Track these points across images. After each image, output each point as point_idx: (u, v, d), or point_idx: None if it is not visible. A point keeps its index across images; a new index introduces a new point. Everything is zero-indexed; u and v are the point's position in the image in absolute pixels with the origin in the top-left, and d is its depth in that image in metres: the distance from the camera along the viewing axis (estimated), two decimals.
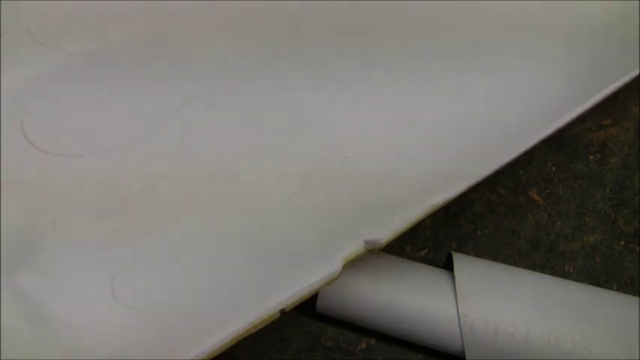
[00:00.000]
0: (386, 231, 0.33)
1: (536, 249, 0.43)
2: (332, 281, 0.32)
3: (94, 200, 0.36)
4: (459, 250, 0.43)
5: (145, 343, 0.30)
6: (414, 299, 0.37)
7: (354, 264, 0.34)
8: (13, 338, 0.30)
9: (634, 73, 0.41)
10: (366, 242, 0.33)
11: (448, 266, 0.40)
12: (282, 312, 0.31)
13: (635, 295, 0.40)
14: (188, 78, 0.42)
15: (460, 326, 0.36)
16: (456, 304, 0.36)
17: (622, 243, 0.43)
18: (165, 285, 0.33)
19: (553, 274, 0.42)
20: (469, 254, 0.42)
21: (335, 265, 0.32)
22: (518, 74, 0.43)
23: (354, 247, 0.33)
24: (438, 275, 0.38)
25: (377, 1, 0.46)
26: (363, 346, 0.39)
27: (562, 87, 0.42)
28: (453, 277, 0.38)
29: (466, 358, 0.36)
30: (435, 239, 0.43)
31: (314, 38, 0.44)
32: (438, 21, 0.46)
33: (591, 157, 0.47)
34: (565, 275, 0.42)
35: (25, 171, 0.37)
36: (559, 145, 0.47)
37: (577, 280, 0.41)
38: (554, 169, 0.46)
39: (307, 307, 0.37)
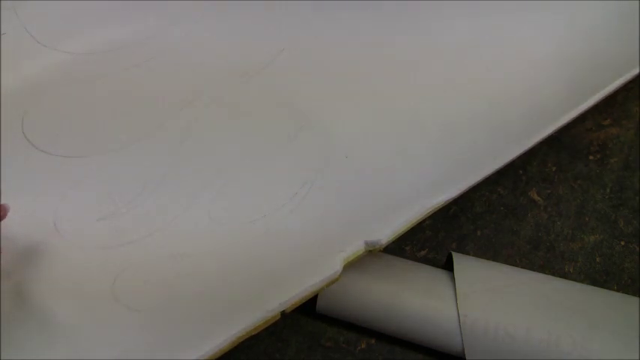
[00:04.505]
0: (386, 231, 0.33)
1: (536, 249, 0.43)
2: (333, 282, 0.32)
3: (94, 200, 0.36)
4: (459, 250, 0.43)
5: (145, 344, 0.30)
6: (414, 299, 0.37)
7: (354, 264, 0.34)
8: (13, 338, 0.30)
9: (634, 73, 0.41)
10: (367, 243, 0.33)
11: (448, 266, 0.40)
12: (283, 313, 0.31)
13: (635, 295, 0.40)
14: (188, 78, 0.42)
15: (460, 326, 0.36)
16: (456, 304, 0.36)
17: (622, 243, 0.43)
18: (166, 286, 0.33)
19: (553, 274, 0.42)
20: (469, 254, 0.42)
21: (336, 266, 0.32)
22: (517, 74, 0.43)
23: (354, 247, 0.33)
24: (438, 275, 0.38)
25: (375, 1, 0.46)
26: (363, 346, 0.39)
27: (562, 87, 0.42)
28: (453, 277, 0.38)
29: (466, 358, 0.36)
30: (435, 239, 0.43)
31: (316, 36, 0.44)
32: (434, 19, 0.46)
33: (591, 157, 0.47)
34: (565, 275, 0.42)
35: (25, 171, 0.37)
36: (559, 145, 0.47)
37: (577, 280, 0.42)
38: (554, 169, 0.46)
39: (307, 308, 0.37)
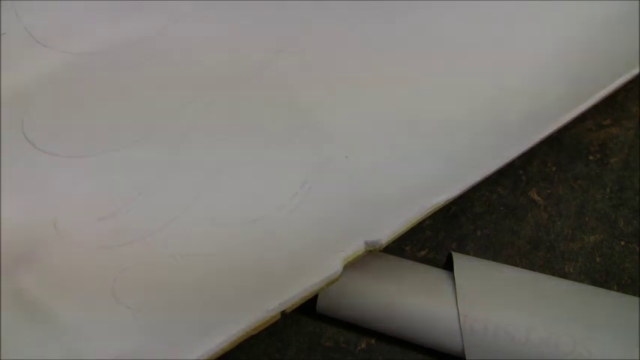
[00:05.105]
0: (386, 231, 0.33)
1: (536, 249, 0.43)
2: (333, 282, 0.32)
3: (94, 200, 0.36)
4: (459, 250, 0.43)
5: (145, 344, 0.30)
6: (414, 299, 0.37)
7: (354, 264, 0.34)
8: (13, 338, 0.30)
9: (634, 73, 0.41)
10: (367, 243, 0.33)
11: (448, 266, 0.40)
12: (283, 313, 0.31)
13: (635, 295, 0.40)
14: (188, 78, 0.42)
15: (460, 326, 0.36)
16: (456, 304, 0.36)
17: (622, 243, 0.44)
18: (166, 285, 0.33)
19: (553, 274, 0.42)
20: (469, 254, 0.42)
21: (336, 266, 0.32)
22: (517, 73, 0.43)
23: (354, 247, 0.33)
24: (438, 275, 0.38)
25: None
26: (363, 346, 0.39)
27: (562, 87, 0.42)
28: (453, 277, 0.38)
29: (466, 358, 0.36)
30: (435, 239, 0.43)
31: (316, 36, 0.44)
32: (434, 19, 0.46)
33: (591, 157, 0.47)
34: (565, 275, 0.42)
35: (25, 171, 0.37)
36: (559, 145, 0.47)
37: (577, 280, 0.42)
38: (554, 169, 0.46)
39: (307, 308, 0.37)
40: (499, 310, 0.36)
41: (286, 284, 0.31)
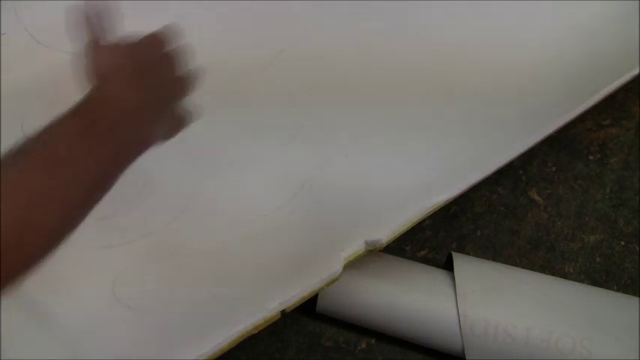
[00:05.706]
0: (387, 231, 0.33)
1: (536, 249, 0.43)
2: (333, 282, 0.32)
3: None
4: (459, 250, 0.43)
5: (145, 343, 0.30)
6: (414, 299, 0.37)
7: (354, 264, 0.34)
8: (13, 338, 0.30)
9: (634, 73, 0.41)
10: (367, 242, 0.33)
11: (448, 266, 0.40)
12: (283, 313, 0.31)
13: (635, 295, 0.40)
14: None
15: (460, 326, 0.36)
16: (456, 304, 0.36)
17: (622, 243, 0.44)
18: (166, 285, 0.33)
19: (553, 274, 0.42)
20: (469, 254, 0.42)
21: (336, 265, 0.32)
22: (517, 74, 0.43)
23: (354, 247, 0.33)
24: (438, 275, 0.39)
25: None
26: (363, 346, 0.39)
27: (562, 87, 0.42)
28: (453, 277, 0.38)
29: (466, 358, 0.36)
30: (435, 239, 0.43)
31: (316, 36, 0.44)
32: (435, 20, 0.46)
33: (591, 157, 0.47)
34: (565, 275, 0.42)
35: None
36: (559, 145, 0.47)
37: (577, 280, 0.42)
38: (554, 169, 0.47)
39: (307, 308, 0.37)
40: (499, 310, 0.36)
41: (286, 284, 0.31)
